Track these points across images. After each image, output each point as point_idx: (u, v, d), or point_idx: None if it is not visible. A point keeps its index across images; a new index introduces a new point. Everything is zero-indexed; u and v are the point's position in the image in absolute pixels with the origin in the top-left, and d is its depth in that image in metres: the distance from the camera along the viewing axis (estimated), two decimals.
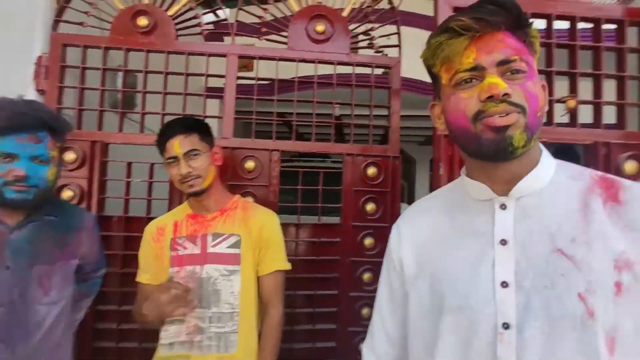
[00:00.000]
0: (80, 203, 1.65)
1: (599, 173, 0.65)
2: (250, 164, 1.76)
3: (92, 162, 1.67)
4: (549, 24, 1.38)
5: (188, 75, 1.79)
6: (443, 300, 0.64)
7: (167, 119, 1.74)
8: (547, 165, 0.65)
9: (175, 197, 1.69)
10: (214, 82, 1.90)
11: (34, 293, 1.03)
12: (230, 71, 1.80)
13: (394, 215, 1.80)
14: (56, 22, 1.74)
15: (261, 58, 1.83)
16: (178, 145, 1.17)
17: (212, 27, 1.98)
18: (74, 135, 1.66)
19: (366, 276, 1.78)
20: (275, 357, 1.21)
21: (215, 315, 1.14)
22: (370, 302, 1.78)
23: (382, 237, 1.79)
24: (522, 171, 0.63)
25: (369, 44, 1.93)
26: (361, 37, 1.96)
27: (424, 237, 0.72)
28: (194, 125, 1.24)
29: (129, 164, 1.75)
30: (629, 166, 1.31)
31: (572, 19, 1.39)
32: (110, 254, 1.68)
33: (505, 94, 0.57)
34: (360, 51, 1.96)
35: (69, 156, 1.65)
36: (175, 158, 1.18)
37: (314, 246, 1.81)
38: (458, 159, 1.27)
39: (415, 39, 1.93)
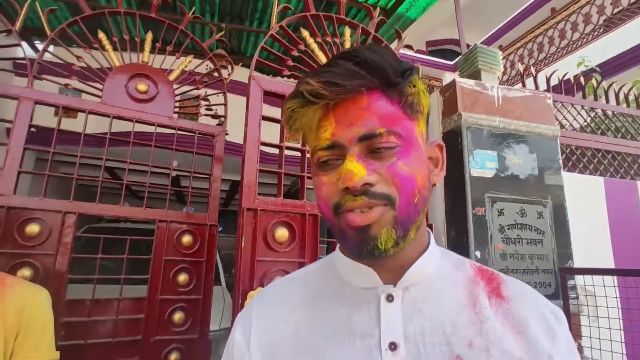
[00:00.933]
0: None
1: (476, 263, 0.57)
2: (33, 228, 1.46)
3: None
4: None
5: None
6: None
7: None
8: (433, 251, 0.55)
9: None
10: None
11: None
12: (20, 117, 1.53)
13: (207, 287, 1.72)
14: None
15: (65, 108, 1.63)
16: None
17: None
18: None
19: (173, 357, 1.60)
20: None
21: None
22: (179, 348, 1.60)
23: (192, 311, 1.67)
24: (408, 259, 0.51)
25: (193, 113, 1.94)
26: (187, 104, 1.96)
27: (280, 337, 0.53)
28: None
29: None
30: None
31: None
32: None
33: (366, 184, 0.45)
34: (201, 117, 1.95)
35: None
36: None
37: (113, 325, 1.56)
38: (262, 228, 1.31)
39: (242, 104, 2.03)
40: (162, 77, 1.85)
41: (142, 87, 1.78)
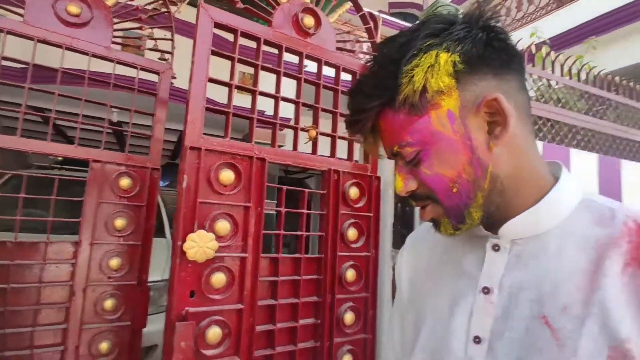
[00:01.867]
0: None
1: (638, 219, 0.48)
2: None
3: None
4: (301, 61, 1.55)
5: None
6: (419, 338, 0.60)
7: None
8: (559, 202, 0.52)
9: None
10: None
11: None
12: None
13: (148, 232, 1.63)
14: None
15: None
16: None
17: None
18: None
19: (108, 303, 1.53)
20: None
21: None
22: (109, 336, 1.54)
23: (130, 257, 1.59)
24: (515, 212, 0.52)
25: (134, 44, 1.76)
26: (129, 35, 1.77)
27: (420, 267, 0.68)
28: None
29: None
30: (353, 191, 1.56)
31: (319, 61, 1.61)
32: None
33: (409, 191, 0.54)
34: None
35: None
36: None
37: (39, 271, 1.45)
38: (206, 169, 1.25)
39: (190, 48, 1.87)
40: (97, 1, 1.64)
41: (73, 8, 1.57)
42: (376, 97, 0.51)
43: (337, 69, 1.65)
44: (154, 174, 1.67)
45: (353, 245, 1.57)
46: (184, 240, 1.18)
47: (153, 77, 1.75)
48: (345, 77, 1.64)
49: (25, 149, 1.44)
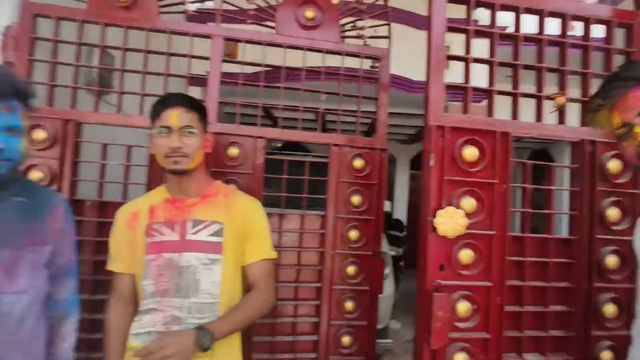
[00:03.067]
0: (50, 185, 1.54)
1: None
2: (234, 151, 1.69)
3: (64, 142, 1.56)
4: (541, 21, 1.39)
5: (170, 55, 1.71)
6: None
7: (147, 100, 1.67)
8: None
9: (153, 182, 1.60)
10: (195, 70, 1.80)
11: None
12: (215, 54, 1.72)
13: (380, 208, 1.78)
14: None
15: (248, 42, 1.77)
16: (177, 116, 1.09)
17: (195, 10, 1.90)
18: (43, 113, 1.56)
19: (350, 269, 1.76)
20: (236, 328, 1.11)
21: (195, 306, 1.08)
22: (353, 295, 1.77)
23: (367, 230, 1.77)
24: None
25: (358, 34, 1.90)
26: (350, 29, 1.93)
27: None
28: (197, 104, 1.17)
29: (105, 146, 1.66)
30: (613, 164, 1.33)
31: (563, 17, 1.40)
32: (83, 240, 1.59)
33: None
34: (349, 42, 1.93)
35: (39, 135, 1.53)
36: (169, 129, 1.08)
37: (298, 237, 1.78)
38: (449, 150, 1.26)
39: (403, 36, 1.92)
40: (326, 3, 1.83)
41: (309, 14, 1.81)
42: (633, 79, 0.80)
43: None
44: (381, 154, 1.80)
45: (614, 228, 1.34)
46: (433, 216, 1.23)
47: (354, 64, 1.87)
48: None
49: (287, 138, 1.75)
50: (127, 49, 1.67)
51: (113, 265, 1.18)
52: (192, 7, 1.81)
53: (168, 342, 0.97)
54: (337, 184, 1.76)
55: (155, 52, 1.69)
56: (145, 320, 1.10)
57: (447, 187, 1.26)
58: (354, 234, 1.77)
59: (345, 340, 1.76)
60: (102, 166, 1.64)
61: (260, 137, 1.72)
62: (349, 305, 1.76)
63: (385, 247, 2.94)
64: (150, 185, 1.61)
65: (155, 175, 1.61)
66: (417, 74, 4.36)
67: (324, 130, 5.91)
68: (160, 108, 1.11)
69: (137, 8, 1.67)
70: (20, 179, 1.06)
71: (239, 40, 1.78)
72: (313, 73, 1.85)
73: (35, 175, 1.53)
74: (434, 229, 1.22)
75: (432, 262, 1.24)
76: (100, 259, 1.57)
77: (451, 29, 1.33)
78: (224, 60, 1.75)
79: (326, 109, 1.86)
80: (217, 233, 1.13)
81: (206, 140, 1.18)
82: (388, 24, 1.91)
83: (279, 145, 3.97)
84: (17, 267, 0.93)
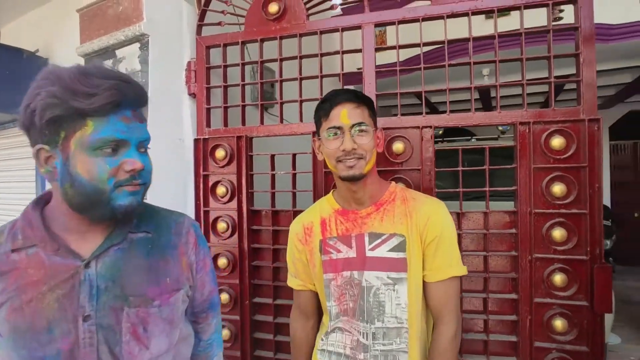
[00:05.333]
0: (231, 199, 1.68)
1: None
2: (398, 146, 1.52)
3: (239, 157, 1.68)
4: None
5: (322, 55, 1.66)
6: None
7: (305, 106, 1.66)
8: None
9: (319, 189, 1.58)
10: (348, 68, 1.70)
11: (128, 348, 0.71)
12: (367, 43, 1.59)
13: (594, 197, 1.34)
14: (199, 27, 1.80)
15: (401, 22, 1.57)
16: (346, 114, 0.97)
17: (342, 4, 1.81)
18: (221, 133, 1.71)
19: (557, 278, 1.37)
20: None
21: (380, 331, 0.95)
22: (563, 312, 1.39)
23: (578, 228, 1.36)
24: None
25: None
26: None
27: None
28: (365, 97, 1.03)
29: (273, 157, 1.72)
30: None
31: None
32: (262, 248, 1.68)
33: None
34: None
35: (220, 153, 1.68)
36: (339, 129, 0.97)
37: (483, 239, 1.49)
38: None
39: None
40: None
41: None
42: None
43: None
44: (591, 126, 1.35)
45: None
46: None
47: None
48: None
49: (458, 124, 1.49)
50: (282, 59, 1.69)
51: (291, 281, 1.16)
52: (338, 0, 1.73)
53: None
54: (529, 171, 1.40)
55: (308, 56, 1.67)
56: (333, 339, 1.03)
57: None
58: (558, 233, 1.38)
59: None
60: (272, 176, 1.71)
61: (427, 127, 1.51)
62: (558, 324, 1.38)
63: None
64: (315, 192, 1.59)
65: (319, 181, 1.58)
66: (615, 16, 3.37)
67: (487, 110, 5.21)
68: (326, 107, 1.00)
69: (286, 16, 1.68)
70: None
71: (391, 23, 1.60)
72: (481, 43, 1.54)
73: (220, 190, 1.68)
74: None
75: None
76: (277, 266, 1.64)
77: None
78: (377, 49, 1.60)
79: (506, 83, 1.51)
80: (399, 247, 0.98)
81: (377, 138, 1.03)
82: None
83: (440, 132, 3.64)
84: (147, 327, 0.73)
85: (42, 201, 0.76)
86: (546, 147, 1.39)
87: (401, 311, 0.94)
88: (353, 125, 0.96)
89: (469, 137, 4.15)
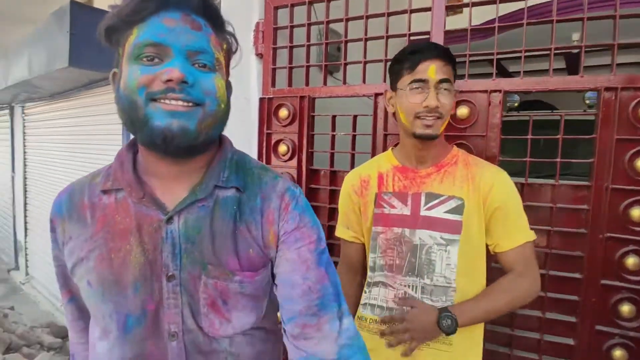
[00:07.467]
0: (292, 158, 1.74)
1: None
2: (463, 110, 1.46)
3: (301, 117, 1.73)
4: None
5: (389, 15, 1.61)
6: None
7: (369, 67, 1.64)
8: None
9: (377, 151, 1.58)
10: (416, 28, 1.64)
11: (207, 321, 0.63)
12: (436, 23, 1.51)
13: None
14: None
15: None
16: (434, 70, 0.94)
17: None
18: (285, 92, 1.76)
19: (630, 261, 1.27)
20: (483, 317, 0.94)
21: (428, 287, 0.97)
22: (633, 297, 1.28)
23: None
24: None
25: None
26: None
27: None
28: (453, 57, 1.00)
29: (334, 117, 1.74)
30: None
31: None
32: (319, 206, 1.74)
33: None
34: None
35: (283, 112, 1.74)
36: (424, 83, 0.95)
37: (550, 213, 1.40)
38: None
39: None
40: None
41: None
42: None
43: None
44: None
45: None
46: None
47: None
48: None
49: (532, 88, 1.39)
50: (348, 19, 1.67)
51: (342, 231, 1.19)
52: None
53: (411, 318, 0.91)
54: (611, 142, 1.28)
55: (374, 15, 1.63)
56: (375, 293, 1.07)
57: None
58: (638, 213, 1.26)
59: (617, 354, 1.30)
60: (332, 137, 1.73)
61: (496, 91, 1.42)
62: (625, 309, 1.29)
63: None
64: (373, 153, 1.59)
65: (379, 143, 1.58)
66: None
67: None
68: (415, 59, 0.96)
69: None
70: (228, 152, 0.71)
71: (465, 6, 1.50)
72: (569, 4, 1.39)
73: (281, 149, 1.75)
74: None
75: None
76: (332, 224, 1.69)
77: None
78: (448, 7, 1.51)
79: (592, 45, 1.36)
80: (456, 210, 0.98)
81: (454, 100, 1.02)
82: None
83: (517, 104, 3.40)
84: (228, 300, 0.63)
85: (136, 145, 0.68)
86: (634, 117, 1.25)
87: (450, 271, 0.95)
88: (440, 82, 0.94)
89: (550, 110, 3.81)
